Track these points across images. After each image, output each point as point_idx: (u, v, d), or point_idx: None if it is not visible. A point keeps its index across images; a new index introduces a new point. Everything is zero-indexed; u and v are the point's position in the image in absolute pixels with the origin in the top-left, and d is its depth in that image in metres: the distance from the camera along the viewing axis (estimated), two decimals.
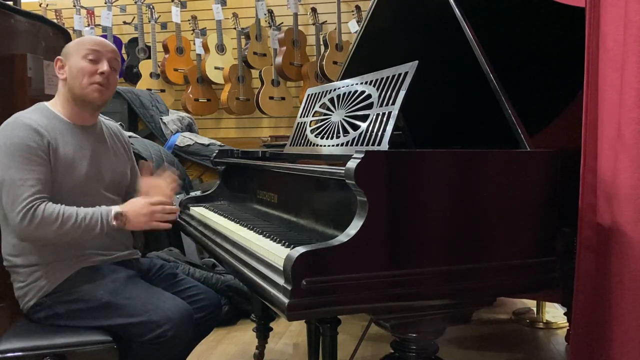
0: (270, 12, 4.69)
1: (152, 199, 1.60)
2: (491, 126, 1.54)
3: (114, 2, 4.82)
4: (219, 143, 3.88)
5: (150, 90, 4.48)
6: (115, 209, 1.55)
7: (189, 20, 4.74)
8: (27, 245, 1.56)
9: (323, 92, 1.75)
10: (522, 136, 1.39)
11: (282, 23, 4.74)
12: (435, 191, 1.19)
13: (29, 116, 1.58)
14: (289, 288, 1.04)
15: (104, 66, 1.63)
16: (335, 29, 4.58)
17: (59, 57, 1.66)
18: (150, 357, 1.51)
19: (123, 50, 4.89)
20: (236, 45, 4.70)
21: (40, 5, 4.80)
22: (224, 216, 1.81)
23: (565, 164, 1.38)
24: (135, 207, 1.58)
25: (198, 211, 1.99)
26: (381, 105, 1.41)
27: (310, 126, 1.72)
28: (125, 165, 1.81)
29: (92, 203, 1.60)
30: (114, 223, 1.53)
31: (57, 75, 1.65)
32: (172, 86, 4.83)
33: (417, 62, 1.36)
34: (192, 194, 2.50)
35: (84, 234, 1.50)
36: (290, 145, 1.81)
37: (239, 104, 4.67)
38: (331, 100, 1.67)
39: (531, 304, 3.05)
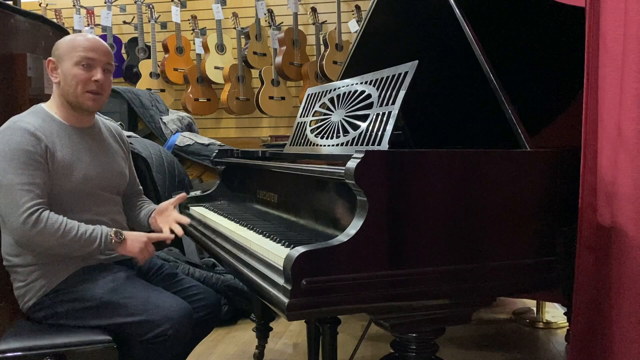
0: (270, 11, 4.69)
1: (152, 235, 1.64)
2: (491, 126, 1.54)
3: (114, 1, 4.82)
4: (218, 143, 3.88)
5: (150, 90, 4.48)
6: (116, 229, 1.57)
7: (188, 20, 4.73)
8: None
9: (323, 91, 1.75)
10: (522, 136, 1.39)
11: (282, 23, 4.74)
12: (435, 191, 1.19)
13: (26, 120, 1.57)
14: (289, 288, 1.04)
15: (98, 74, 1.61)
16: (335, 28, 4.58)
17: (50, 58, 1.63)
18: (150, 357, 1.51)
19: (123, 50, 4.89)
20: (236, 45, 4.69)
21: (40, 5, 4.79)
22: (224, 216, 1.81)
23: (565, 164, 1.38)
24: (135, 235, 1.61)
25: (198, 211, 1.99)
26: (381, 105, 1.41)
27: (310, 126, 1.72)
28: (124, 165, 1.81)
29: (92, 203, 1.60)
30: (114, 238, 1.54)
31: (50, 77, 1.64)
32: (172, 86, 4.83)
33: (417, 62, 1.36)
34: (192, 193, 2.49)
35: (82, 247, 1.51)
36: (290, 145, 1.81)
37: (239, 103, 4.67)
38: (331, 100, 1.67)
39: (531, 304, 3.05)
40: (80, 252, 1.52)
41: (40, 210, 1.46)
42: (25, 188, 1.46)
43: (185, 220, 1.74)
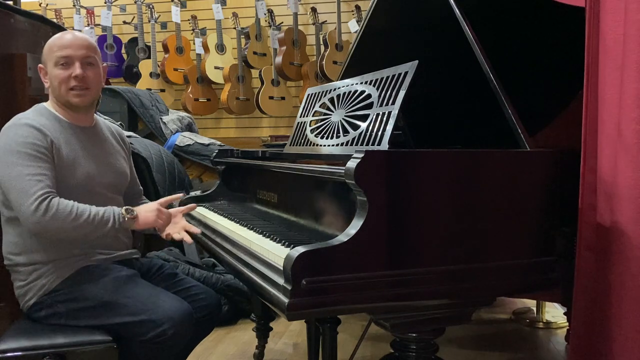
0: (270, 11, 4.69)
1: (162, 200, 1.69)
2: (491, 126, 1.54)
3: (114, 1, 4.82)
4: (219, 143, 3.88)
5: (150, 90, 4.48)
6: (126, 206, 1.60)
7: (188, 20, 4.73)
8: (28, 243, 1.56)
9: (323, 91, 1.75)
10: (522, 136, 1.39)
11: (282, 23, 4.74)
12: (435, 191, 1.19)
13: (30, 117, 1.58)
14: (289, 288, 1.04)
15: (77, 69, 1.60)
16: (335, 28, 4.58)
17: (40, 64, 1.65)
18: (150, 357, 1.51)
19: (123, 50, 4.89)
20: (236, 45, 4.69)
21: (40, 5, 4.79)
22: (224, 216, 1.81)
23: (565, 164, 1.38)
24: (145, 206, 1.66)
25: (198, 211, 1.99)
26: (381, 105, 1.41)
27: (310, 126, 1.72)
28: (125, 165, 1.81)
29: (94, 202, 1.60)
30: (126, 215, 1.55)
31: (43, 82, 1.65)
32: (172, 86, 4.83)
33: (417, 62, 1.36)
34: (192, 193, 2.49)
35: (96, 229, 1.51)
36: (290, 145, 1.81)
37: (239, 103, 4.67)
38: (331, 100, 1.67)
39: (531, 304, 3.05)
40: (95, 234, 1.53)
41: (50, 197, 1.47)
42: (35, 178, 1.47)
43: (196, 230, 1.71)
